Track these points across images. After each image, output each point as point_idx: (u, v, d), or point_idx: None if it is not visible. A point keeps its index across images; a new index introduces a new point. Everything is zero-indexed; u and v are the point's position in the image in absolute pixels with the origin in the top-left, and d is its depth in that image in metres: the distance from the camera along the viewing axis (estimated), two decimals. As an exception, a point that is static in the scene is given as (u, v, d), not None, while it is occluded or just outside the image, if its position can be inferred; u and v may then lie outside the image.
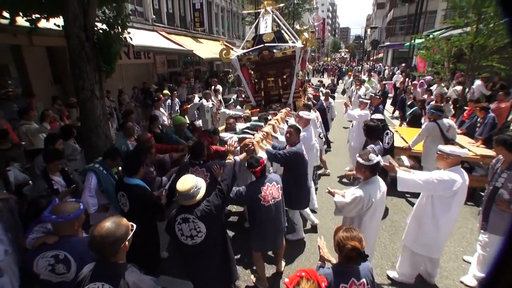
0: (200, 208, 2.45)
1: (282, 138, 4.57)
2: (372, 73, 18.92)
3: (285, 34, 7.25)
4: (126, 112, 6.75)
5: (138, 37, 10.64)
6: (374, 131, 4.19)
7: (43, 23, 4.89)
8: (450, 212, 3.05)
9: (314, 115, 5.98)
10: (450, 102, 8.93)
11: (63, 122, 6.77)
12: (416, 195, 5.47)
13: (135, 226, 1.81)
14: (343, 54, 65.54)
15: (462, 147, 5.72)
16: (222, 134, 4.95)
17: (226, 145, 3.34)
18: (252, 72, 7.55)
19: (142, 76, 13.31)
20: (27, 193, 3.98)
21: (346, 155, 7.85)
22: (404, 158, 6.47)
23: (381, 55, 41.57)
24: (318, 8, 60.60)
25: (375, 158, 2.81)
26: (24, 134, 5.26)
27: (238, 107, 8.70)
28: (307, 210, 4.65)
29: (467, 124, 6.82)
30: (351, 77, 15.89)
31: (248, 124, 5.23)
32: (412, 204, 5.27)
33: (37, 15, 4.65)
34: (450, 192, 2.91)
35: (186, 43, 14.79)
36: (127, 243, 1.69)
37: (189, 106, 8.24)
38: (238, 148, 4.12)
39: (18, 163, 4.51)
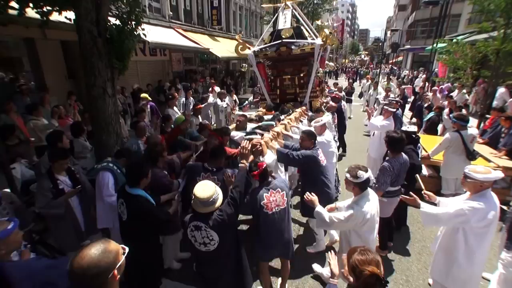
0: (213, 217, 2.33)
1: (296, 136, 4.39)
2: (391, 77, 18.41)
3: (304, 30, 6.98)
4: (138, 110, 6.64)
5: (154, 33, 10.58)
6: (398, 144, 3.75)
7: (55, 16, 4.76)
8: (485, 242, 2.69)
9: (327, 118, 5.70)
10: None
11: (75, 118, 6.74)
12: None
13: (127, 249, 1.49)
14: (363, 56, 64.46)
15: (487, 159, 5.42)
16: (233, 133, 4.77)
17: (239, 147, 3.12)
18: (268, 69, 7.30)
19: (157, 73, 13.26)
20: (34, 190, 3.90)
21: (363, 162, 7.50)
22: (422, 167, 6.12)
23: (400, 58, 40.70)
24: (338, 8, 59.78)
25: (364, 175, 2.72)
26: (32, 130, 5.19)
27: (253, 110, 8.50)
28: None
29: (490, 134, 6.48)
30: (369, 80, 15.49)
31: (259, 124, 5.02)
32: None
33: (48, 8, 4.52)
34: (485, 222, 2.55)
35: (203, 41, 14.68)
36: (116, 272, 1.37)
37: (203, 105, 8.09)
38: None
39: (26, 159, 4.43)
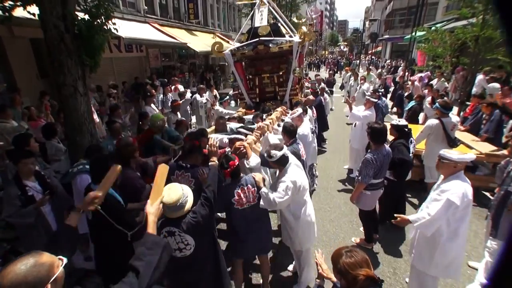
0: (186, 220, 2.21)
1: (275, 140, 4.21)
2: (370, 67, 18.63)
3: (281, 27, 6.90)
4: (111, 108, 6.42)
5: (129, 29, 10.27)
6: (380, 135, 3.73)
7: (20, 12, 4.50)
8: (466, 224, 2.71)
9: (309, 112, 5.69)
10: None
11: (48, 119, 6.46)
12: (417, 195, 5.34)
13: (65, 260, 1.34)
14: (342, 47, 64.98)
15: (468, 146, 5.50)
16: (212, 136, 4.61)
17: (208, 145, 2.98)
18: (246, 68, 7.18)
19: (134, 70, 12.88)
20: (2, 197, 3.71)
21: (345, 153, 7.62)
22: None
23: (379, 48, 41.27)
24: (316, 0, 59.86)
25: (277, 154, 2.91)
26: (0, 133, 4.94)
27: (233, 102, 8.39)
28: None
29: (470, 121, 6.55)
30: (349, 72, 15.62)
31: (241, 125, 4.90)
32: (414, 206, 5.05)
33: (10, 2, 4.26)
34: (466, 202, 2.57)
35: (180, 35, 14.34)
36: (49, 286, 1.21)
37: (181, 101, 7.93)
38: (228, 149, 3.82)
39: (-5, 164, 4.22)
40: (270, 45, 6.28)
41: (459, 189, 2.55)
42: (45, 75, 8.56)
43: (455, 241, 2.69)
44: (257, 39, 6.38)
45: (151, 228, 1.72)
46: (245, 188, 2.85)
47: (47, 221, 3.26)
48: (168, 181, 3.18)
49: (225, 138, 4.34)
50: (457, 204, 2.51)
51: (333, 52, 62.37)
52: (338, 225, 4.73)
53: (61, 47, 4.08)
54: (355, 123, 6.27)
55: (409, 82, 11.74)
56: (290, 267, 3.77)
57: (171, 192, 2.14)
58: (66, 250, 1.54)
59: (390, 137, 4.66)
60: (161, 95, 9.08)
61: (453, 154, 2.65)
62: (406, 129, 4.31)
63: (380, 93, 8.54)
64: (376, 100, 6.18)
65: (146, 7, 13.34)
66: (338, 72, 26.66)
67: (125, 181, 3.17)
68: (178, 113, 6.66)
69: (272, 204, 2.79)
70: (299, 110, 4.89)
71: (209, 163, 2.70)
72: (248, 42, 6.53)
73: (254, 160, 3.51)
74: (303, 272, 3.39)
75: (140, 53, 13.07)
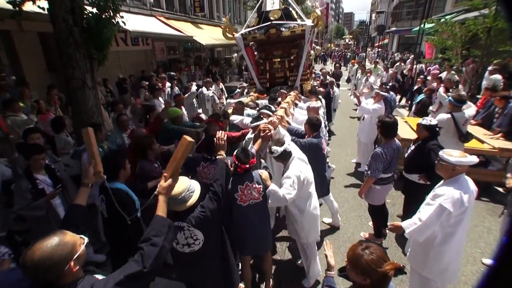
0: (195, 214, 2.20)
1: (292, 124, 4.37)
2: (377, 60, 18.40)
3: (293, 11, 6.82)
4: (112, 103, 6.45)
5: (136, 22, 10.23)
6: (391, 129, 3.66)
7: (29, 6, 4.51)
8: (462, 229, 2.56)
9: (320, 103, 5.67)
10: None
11: (57, 112, 6.50)
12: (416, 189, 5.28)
13: (86, 239, 1.45)
14: (347, 40, 64.20)
15: (481, 141, 5.38)
16: (233, 117, 4.62)
17: (216, 139, 2.79)
18: (256, 53, 7.15)
19: (140, 63, 12.88)
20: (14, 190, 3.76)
21: (352, 147, 7.57)
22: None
23: (386, 41, 40.70)
24: (322, -8, 59.08)
25: (278, 149, 2.95)
26: (10, 126, 4.98)
27: (244, 98, 8.36)
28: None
29: (482, 114, 6.36)
30: (356, 65, 15.43)
31: (254, 111, 4.88)
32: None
33: None
34: (462, 209, 2.44)
35: (186, 28, 14.28)
36: (72, 263, 1.32)
37: (186, 95, 7.91)
38: (251, 133, 3.77)
39: (5, 157, 4.25)
40: (282, 29, 6.22)
41: (454, 195, 2.43)
42: (53, 68, 8.61)
43: (449, 245, 2.57)
44: (269, 22, 6.31)
45: (161, 210, 1.75)
46: (250, 184, 2.78)
47: (58, 215, 3.31)
48: (195, 172, 3.27)
49: (246, 119, 4.33)
50: (450, 210, 2.41)
51: (339, 45, 61.65)
52: (346, 220, 4.71)
53: (69, 41, 4.09)
54: (363, 117, 6.21)
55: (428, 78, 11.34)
56: (299, 262, 3.77)
57: (177, 184, 2.12)
58: (79, 231, 1.58)
59: (401, 133, 4.51)
60: (168, 88, 9.07)
61: (452, 156, 2.52)
62: (438, 129, 3.88)
63: (388, 87, 8.43)
64: (385, 94, 6.12)
65: (152, 1, 13.27)
66: (345, 65, 26.41)
67: (142, 172, 3.28)
68: (183, 107, 6.62)
69: (282, 200, 2.78)
70: (319, 102, 4.96)
71: (217, 157, 2.64)
72: (260, 25, 6.48)
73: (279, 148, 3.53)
74: (310, 266, 3.40)
75: (146, 46, 13.05)
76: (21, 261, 1.29)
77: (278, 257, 3.98)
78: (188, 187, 2.17)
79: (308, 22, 6.14)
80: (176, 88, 9.26)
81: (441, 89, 7.33)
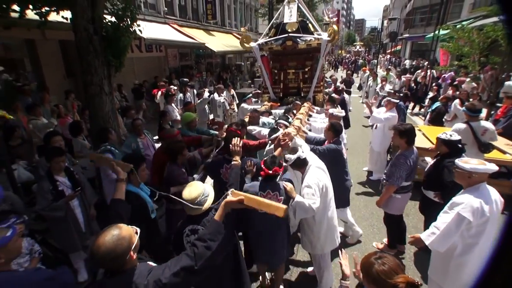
0: (209, 218, 2.22)
1: (310, 133, 4.46)
2: (389, 67, 18.29)
3: (310, 24, 6.96)
4: (125, 109, 6.62)
5: (150, 30, 10.47)
6: (413, 136, 3.61)
7: (53, 16, 4.75)
8: (484, 241, 2.44)
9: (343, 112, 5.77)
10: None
11: (75, 117, 6.71)
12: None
13: (138, 230, 1.65)
14: (357, 47, 64.02)
15: (502, 151, 5.20)
16: (250, 128, 4.75)
17: (232, 145, 2.90)
18: (271, 63, 7.33)
19: (153, 69, 13.18)
20: (36, 190, 3.90)
21: (363, 155, 7.55)
22: (429, 159, 6.05)
23: (398, 47, 40.40)
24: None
25: (292, 157, 2.96)
26: (31, 130, 5.18)
27: (258, 105, 8.48)
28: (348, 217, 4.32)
29: (503, 123, 6.05)
30: (367, 72, 15.39)
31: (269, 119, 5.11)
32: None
33: (46, 8, 4.51)
34: (483, 219, 2.35)
35: (198, 36, 14.56)
36: (132, 252, 1.54)
37: (198, 101, 8.05)
38: (270, 144, 3.89)
39: (25, 160, 4.41)
40: (299, 41, 6.38)
41: (473, 204, 2.35)
42: (71, 74, 8.93)
43: (470, 256, 2.47)
44: (286, 34, 6.48)
45: (218, 215, 1.89)
46: (272, 193, 2.83)
47: (75, 215, 3.45)
48: (218, 174, 3.46)
49: (264, 130, 4.49)
50: (470, 220, 2.33)
51: (349, 52, 61.49)
52: (364, 228, 4.64)
53: (89, 49, 4.26)
54: (375, 125, 6.19)
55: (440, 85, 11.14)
56: (310, 269, 3.76)
57: (191, 189, 2.21)
58: (124, 222, 1.75)
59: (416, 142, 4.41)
60: (180, 95, 9.22)
61: (468, 163, 2.47)
62: (460, 145, 3.53)
63: (401, 95, 8.37)
64: (397, 101, 6.09)
65: (166, 8, 13.60)
66: (356, 72, 26.31)
67: (170, 176, 3.43)
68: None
69: (309, 210, 2.76)
70: (342, 111, 5.07)
71: (232, 162, 2.69)
72: (277, 37, 6.64)
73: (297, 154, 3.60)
74: (323, 276, 3.35)
75: (160, 53, 13.33)
76: (88, 254, 1.55)
77: (289, 264, 3.95)
78: (203, 191, 2.22)
79: (324, 36, 6.26)
80: (188, 94, 9.40)
81: (457, 101, 7.23)
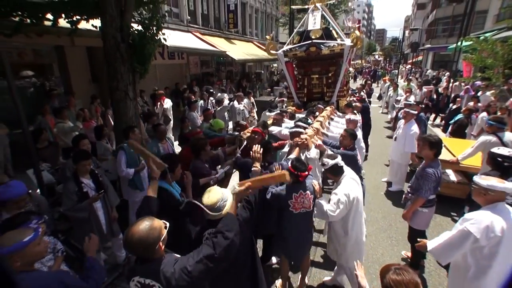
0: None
1: (331, 134, 4.60)
2: (410, 77, 17.97)
3: (333, 31, 7.09)
4: (147, 114, 6.78)
5: (173, 37, 10.73)
6: (440, 148, 3.53)
7: (83, 24, 4.98)
8: (498, 263, 2.29)
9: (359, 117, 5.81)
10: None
11: (98, 121, 6.95)
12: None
13: (168, 224, 1.80)
14: (376, 57, 63.29)
15: None
16: (271, 128, 4.93)
17: (253, 151, 3.02)
18: (296, 68, 7.53)
19: (175, 76, 13.45)
20: (60, 191, 4.05)
21: (382, 165, 7.44)
22: (450, 172, 5.90)
23: (420, 58, 39.71)
24: (354, 9, 59.06)
25: (329, 162, 3.01)
26: (56, 133, 5.39)
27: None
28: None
29: None
30: (388, 82, 15.17)
31: (291, 123, 5.23)
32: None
33: (77, 17, 4.74)
34: (495, 239, 2.23)
35: (219, 44, 14.80)
36: (161, 243, 1.71)
37: (218, 108, 8.15)
38: (288, 143, 4.13)
39: (49, 163, 4.58)
40: (322, 47, 6.55)
41: (482, 221, 2.24)
42: (96, 80, 9.24)
43: (485, 280, 2.34)
44: (310, 41, 6.66)
45: (232, 208, 2.11)
46: (304, 193, 2.95)
47: (98, 217, 3.54)
48: (247, 176, 3.49)
49: (284, 130, 4.67)
50: (476, 236, 2.23)
51: (369, 62, 60.87)
52: (376, 240, 4.58)
53: (116, 55, 4.41)
54: (395, 137, 6.10)
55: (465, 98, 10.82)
56: (326, 278, 3.73)
57: (210, 194, 2.22)
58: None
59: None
60: (201, 101, 9.37)
61: (484, 180, 2.36)
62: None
63: (422, 106, 8.21)
64: (416, 112, 6.01)
65: (189, 17, 13.94)
66: (375, 82, 25.98)
67: (195, 170, 3.58)
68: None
69: (324, 215, 2.86)
70: (357, 115, 5.21)
71: (252, 169, 2.72)
72: (301, 43, 6.83)
73: (313, 151, 3.77)
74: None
75: (181, 60, 13.61)
76: (123, 242, 1.73)
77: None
78: (222, 196, 2.24)
79: (347, 42, 6.36)
80: (209, 101, 9.54)
81: (484, 114, 7.02)
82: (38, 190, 3.64)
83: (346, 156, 3.73)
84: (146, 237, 1.64)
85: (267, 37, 7.73)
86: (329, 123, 5.18)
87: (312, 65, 7.27)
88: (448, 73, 17.89)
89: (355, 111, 6.21)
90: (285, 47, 7.15)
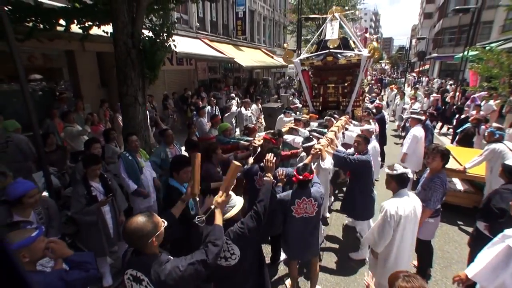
0: (233, 229, 2.26)
1: (340, 147, 4.60)
2: (417, 86, 17.88)
3: (351, 41, 7.15)
4: (156, 120, 6.84)
5: (182, 44, 10.86)
6: (448, 158, 3.48)
7: (94, 30, 5.07)
8: None
9: (375, 127, 5.83)
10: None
11: (106, 125, 7.02)
12: (471, 223, 4.98)
13: (166, 223, 1.86)
14: (383, 65, 63.11)
15: None
16: (286, 136, 4.98)
17: (264, 160, 3.04)
18: (312, 77, 7.59)
19: (183, 82, 13.56)
20: (68, 195, 4.08)
21: (390, 174, 7.35)
22: (456, 181, 5.84)
23: (427, 66, 39.58)
24: (362, 18, 59.24)
25: (399, 168, 2.83)
26: (63, 137, 5.45)
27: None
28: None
29: None
30: (394, 90, 15.11)
31: (305, 131, 5.32)
32: (467, 233, 4.71)
33: (89, 23, 4.83)
34: None
35: (228, 50, 14.93)
36: (154, 239, 1.74)
37: (226, 114, 8.19)
38: (303, 153, 4.19)
39: (56, 167, 4.61)
40: (339, 57, 6.58)
41: None
42: (105, 84, 9.36)
43: None
44: (327, 50, 6.70)
45: (218, 220, 2.10)
46: (307, 199, 3.00)
47: (105, 221, 3.54)
48: (252, 181, 3.65)
49: (297, 138, 4.75)
50: None
51: (375, 70, 60.80)
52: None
53: (127, 61, 4.49)
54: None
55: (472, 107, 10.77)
56: None
57: None
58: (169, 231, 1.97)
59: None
60: (208, 107, 9.42)
61: None
62: None
63: (429, 114, 8.16)
64: (420, 117, 6.01)
65: (198, 24, 14.12)
66: (382, 90, 25.89)
67: (206, 174, 3.60)
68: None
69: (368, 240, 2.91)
70: (373, 125, 5.32)
71: (264, 178, 2.66)
72: (318, 52, 6.88)
73: (328, 161, 3.81)
74: None
75: (190, 66, 13.73)
76: (121, 229, 1.83)
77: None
78: (228, 201, 2.28)
79: (365, 52, 6.39)
80: (216, 107, 9.60)
81: (495, 124, 6.98)
82: (47, 194, 3.66)
83: (361, 161, 3.83)
84: (141, 228, 1.71)
85: (285, 45, 7.87)
86: (343, 133, 5.19)
87: (328, 74, 7.32)
88: (451, 82, 17.79)
89: (371, 120, 6.26)
90: (302, 56, 7.23)
